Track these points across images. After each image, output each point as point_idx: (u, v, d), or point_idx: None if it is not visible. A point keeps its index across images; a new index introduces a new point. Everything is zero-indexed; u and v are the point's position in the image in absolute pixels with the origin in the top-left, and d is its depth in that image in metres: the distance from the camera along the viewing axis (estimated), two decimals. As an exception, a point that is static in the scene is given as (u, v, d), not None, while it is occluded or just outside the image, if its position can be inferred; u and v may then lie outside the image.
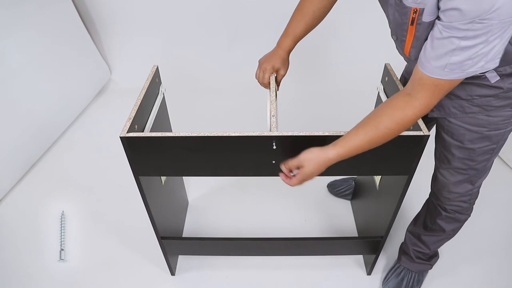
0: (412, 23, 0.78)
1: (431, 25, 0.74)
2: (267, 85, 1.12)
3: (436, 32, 0.71)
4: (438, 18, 0.71)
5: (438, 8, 0.70)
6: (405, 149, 0.93)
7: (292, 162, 0.89)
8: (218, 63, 2.59)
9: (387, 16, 0.91)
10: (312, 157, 0.86)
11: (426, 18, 0.73)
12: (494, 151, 0.97)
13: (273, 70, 1.12)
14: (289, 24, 1.09)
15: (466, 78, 0.75)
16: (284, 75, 1.14)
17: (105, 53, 2.61)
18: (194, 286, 1.41)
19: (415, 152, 0.93)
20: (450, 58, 0.69)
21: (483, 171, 1.03)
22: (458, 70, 0.71)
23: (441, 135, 1.01)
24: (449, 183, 1.06)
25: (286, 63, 1.13)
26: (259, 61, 1.14)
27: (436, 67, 0.72)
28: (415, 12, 0.75)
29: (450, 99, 0.93)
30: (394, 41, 0.93)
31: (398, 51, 0.96)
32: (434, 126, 1.10)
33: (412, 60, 0.89)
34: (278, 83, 1.14)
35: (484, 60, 0.69)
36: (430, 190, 1.19)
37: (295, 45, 1.11)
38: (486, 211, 1.63)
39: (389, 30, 0.92)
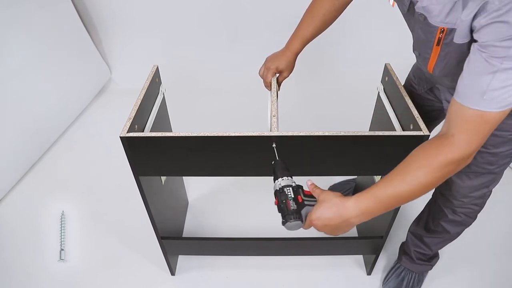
0: (438, 43, 0.73)
1: (461, 47, 0.68)
2: (268, 85, 1.12)
3: (472, 55, 0.64)
4: (473, 40, 0.64)
5: (472, 30, 0.64)
6: (405, 149, 0.93)
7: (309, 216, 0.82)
8: (218, 63, 2.59)
9: (411, 31, 0.86)
10: (325, 211, 0.80)
11: (458, 40, 0.67)
12: None
13: (277, 71, 1.12)
14: (299, 27, 1.09)
15: None
16: (286, 77, 1.14)
17: (105, 53, 2.61)
18: (194, 286, 1.41)
19: (415, 152, 0.93)
20: (490, 83, 0.61)
21: (500, 174, 1.00)
22: (500, 99, 0.61)
23: None
24: (466, 187, 1.02)
25: (291, 65, 1.13)
26: (266, 58, 1.14)
27: (474, 94, 0.63)
28: (442, 31, 0.70)
29: None
30: (416, 56, 0.89)
31: (419, 65, 0.93)
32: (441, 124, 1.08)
33: (435, 76, 0.84)
34: (279, 84, 1.14)
35: None
36: (432, 192, 1.18)
37: (303, 47, 1.11)
38: (487, 212, 1.61)
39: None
